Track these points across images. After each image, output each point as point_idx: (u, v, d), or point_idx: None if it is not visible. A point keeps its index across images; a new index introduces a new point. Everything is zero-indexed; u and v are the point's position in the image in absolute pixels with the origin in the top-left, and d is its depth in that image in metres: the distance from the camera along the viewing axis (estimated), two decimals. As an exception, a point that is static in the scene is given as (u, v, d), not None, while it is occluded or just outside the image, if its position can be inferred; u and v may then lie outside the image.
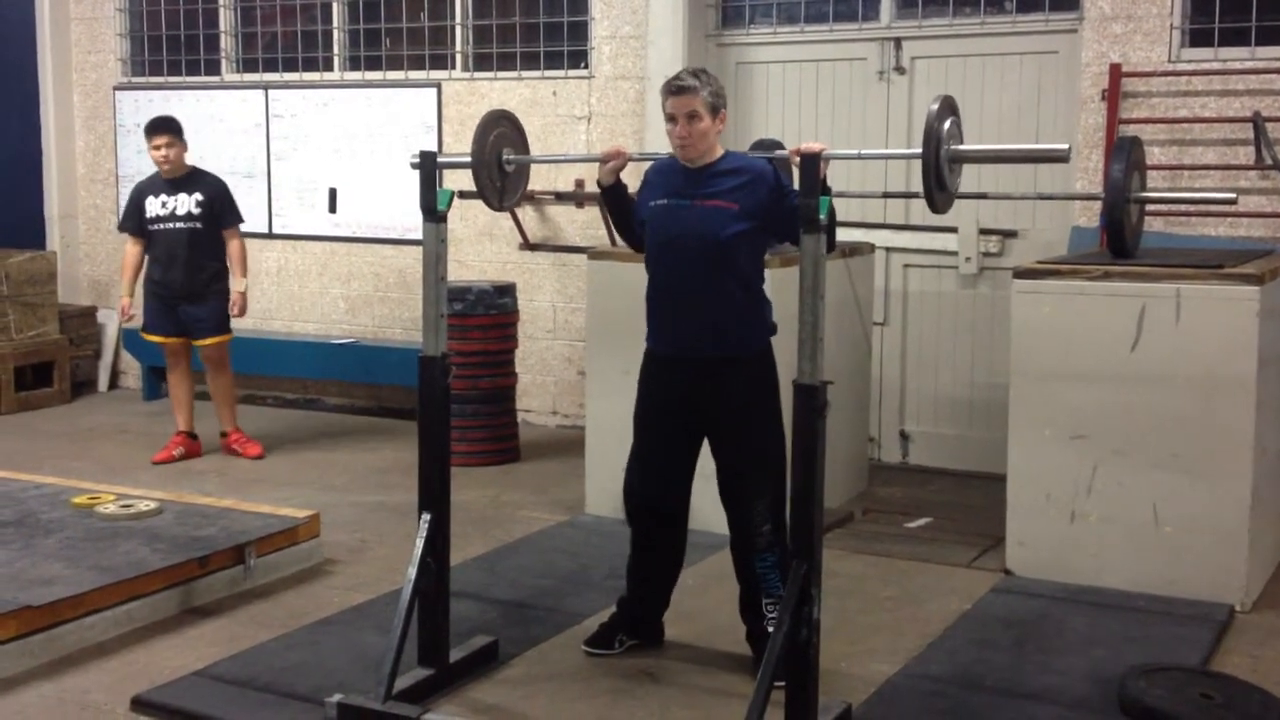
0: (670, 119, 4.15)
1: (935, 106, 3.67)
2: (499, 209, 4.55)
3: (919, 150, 3.68)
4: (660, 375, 4.34)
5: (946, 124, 3.67)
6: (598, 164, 4.38)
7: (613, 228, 4.65)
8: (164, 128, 7.12)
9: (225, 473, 7.00)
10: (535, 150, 7.84)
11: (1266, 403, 4.97)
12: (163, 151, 7.06)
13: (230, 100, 8.89)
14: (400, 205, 8.28)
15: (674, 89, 4.14)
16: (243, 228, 7.29)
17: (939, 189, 3.67)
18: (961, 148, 3.74)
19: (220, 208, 7.15)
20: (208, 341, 7.19)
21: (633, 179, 4.41)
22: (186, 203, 7.09)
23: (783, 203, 4.09)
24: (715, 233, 4.14)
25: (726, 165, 4.22)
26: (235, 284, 7.14)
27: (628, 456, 4.46)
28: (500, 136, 4.33)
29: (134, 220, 7.21)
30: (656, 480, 4.38)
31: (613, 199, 4.42)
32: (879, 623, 4.80)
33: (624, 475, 4.47)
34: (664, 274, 4.27)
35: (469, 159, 4.25)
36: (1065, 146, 3.78)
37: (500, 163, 4.32)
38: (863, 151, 3.92)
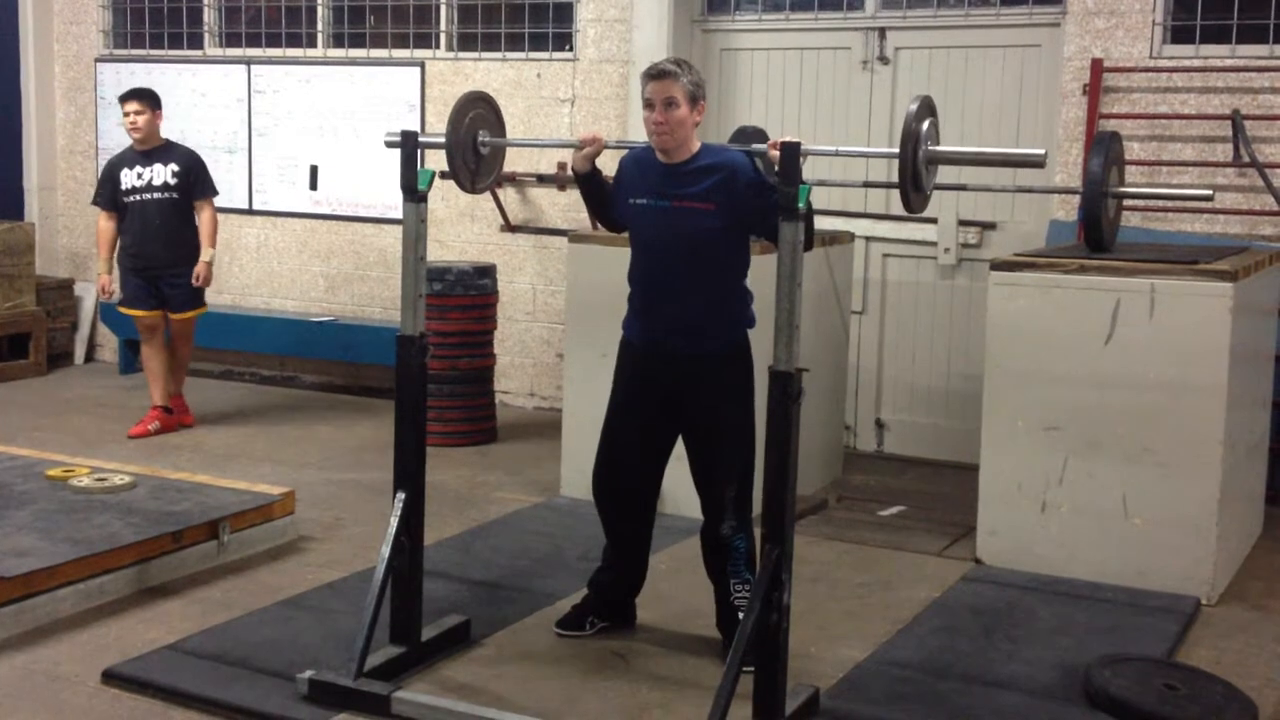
0: (648, 105, 4.12)
1: (914, 107, 3.63)
2: (471, 191, 4.47)
3: (896, 150, 3.64)
4: (635, 368, 4.36)
5: (925, 124, 3.64)
6: (573, 149, 4.36)
7: (590, 212, 4.63)
8: (136, 95, 7.12)
9: (201, 448, 6.99)
10: (518, 133, 7.92)
11: (1237, 399, 5.02)
12: (132, 118, 7.04)
13: (212, 75, 8.85)
14: (382, 184, 8.27)
15: (654, 74, 4.12)
16: (216, 201, 7.29)
17: (915, 190, 3.64)
18: (939, 149, 3.71)
19: (195, 178, 7.16)
20: (185, 315, 7.25)
21: (609, 163, 4.40)
22: (163, 173, 7.09)
23: (759, 197, 4.04)
24: (692, 237, 4.14)
25: (703, 161, 4.17)
26: (202, 254, 7.14)
27: (598, 443, 4.48)
28: (476, 118, 4.29)
29: (107, 194, 7.19)
30: (625, 471, 4.41)
31: (588, 186, 4.40)
32: (849, 609, 4.84)
33: (594, 461, 4.49)
34: (644, 272, 4.29)
35: (443, 139, 4.22)
36: (1042, 152, 3.74)
37: (475, 144, 4.29)
38: (840, 148, 3.83)
